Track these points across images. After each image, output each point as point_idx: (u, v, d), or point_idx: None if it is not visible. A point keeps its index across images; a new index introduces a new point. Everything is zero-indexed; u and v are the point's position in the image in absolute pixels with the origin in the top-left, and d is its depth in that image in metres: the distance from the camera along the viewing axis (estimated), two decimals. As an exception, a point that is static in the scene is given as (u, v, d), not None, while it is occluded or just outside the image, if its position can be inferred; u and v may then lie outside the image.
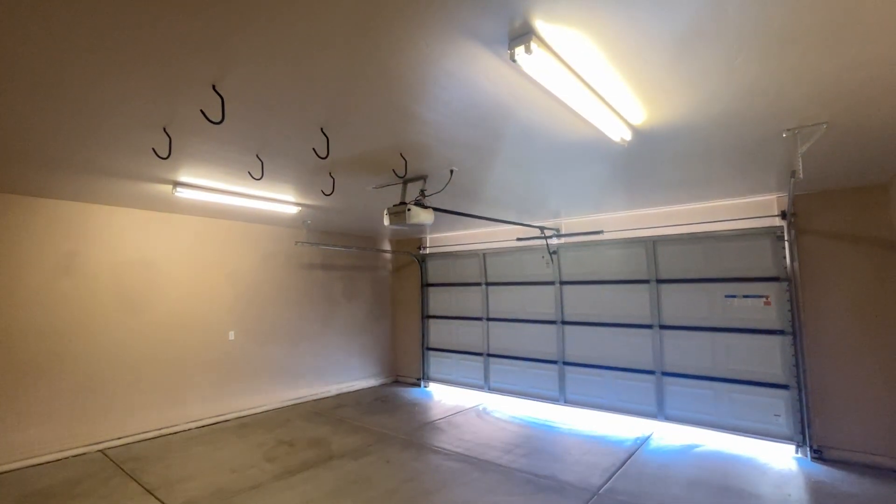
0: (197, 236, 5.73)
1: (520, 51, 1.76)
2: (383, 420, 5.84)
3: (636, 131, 2.78)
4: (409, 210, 3.61)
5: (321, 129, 2.73)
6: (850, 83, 2.19)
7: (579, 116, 2.52)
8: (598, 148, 3.11)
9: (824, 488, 3.78)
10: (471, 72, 2.04)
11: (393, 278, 8.51)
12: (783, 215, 4.71)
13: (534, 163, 3.48)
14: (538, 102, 2.36)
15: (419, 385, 7.89)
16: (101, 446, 4.78)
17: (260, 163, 3.34)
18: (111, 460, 4.48)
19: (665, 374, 5.39)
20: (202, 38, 1.75)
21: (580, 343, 6.12)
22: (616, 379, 5.77)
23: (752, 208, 4.91)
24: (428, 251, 8.03)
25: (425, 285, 8.02)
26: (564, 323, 6.28)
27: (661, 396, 5.39)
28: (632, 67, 2.02)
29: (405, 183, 3.95)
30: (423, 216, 3.64)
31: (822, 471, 4.13)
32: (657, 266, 5.55)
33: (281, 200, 4.79)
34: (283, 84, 2.14)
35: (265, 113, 2.47)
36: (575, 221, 6.22)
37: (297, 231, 6.86)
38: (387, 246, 8.42)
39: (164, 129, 2.69)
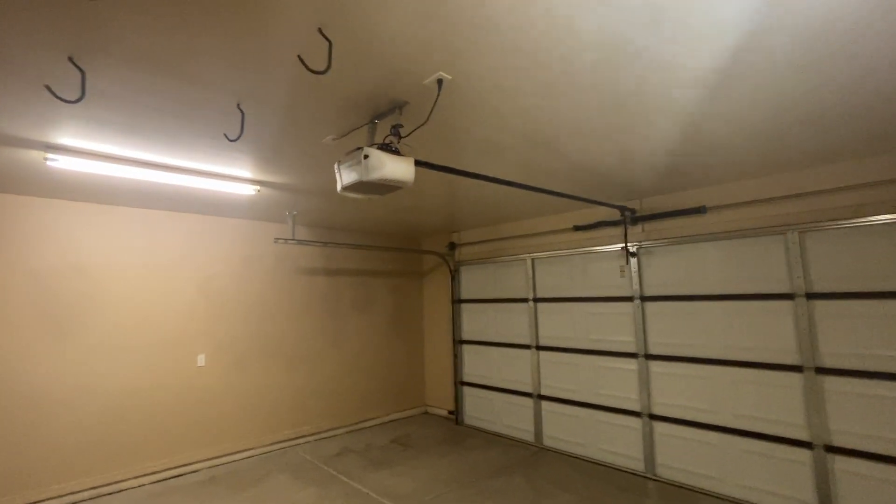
0: (152, 234, 4.49)
1: None
2: (393, 479, 4.23)
3: None
4: (365, 157, 1.99)
5: None
6: None
7: None
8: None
9: None
10: None
11: (418, 284, 6.94)
12: None
13: (620, 61, 1.73)
14: None
15: (454, 418, 6.21)
16: (9, 515, 3.61)
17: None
18: (4, 542, 3.26)
19: (829, 448, 3.30)
20: None
21: (674, 386, 4.13)
22: (731, 445, 3.74)
23: None
24: (459, 258, 6.38)
25: (456, 301, 6.33)
26: (648, 357, 4.34)
27: (823, 479, 3.31)
28: None
29: (374, 122, 2.35)
30: (390, 167, 2.00)
31: None
32: (807, 271, 3.49)
33: (202, 172, 3.38)
34: None
35: None
36: (660, 199, 4.30)
37: (284, 227, 5.50)
38: (409, 245, 6.88)
39: None
